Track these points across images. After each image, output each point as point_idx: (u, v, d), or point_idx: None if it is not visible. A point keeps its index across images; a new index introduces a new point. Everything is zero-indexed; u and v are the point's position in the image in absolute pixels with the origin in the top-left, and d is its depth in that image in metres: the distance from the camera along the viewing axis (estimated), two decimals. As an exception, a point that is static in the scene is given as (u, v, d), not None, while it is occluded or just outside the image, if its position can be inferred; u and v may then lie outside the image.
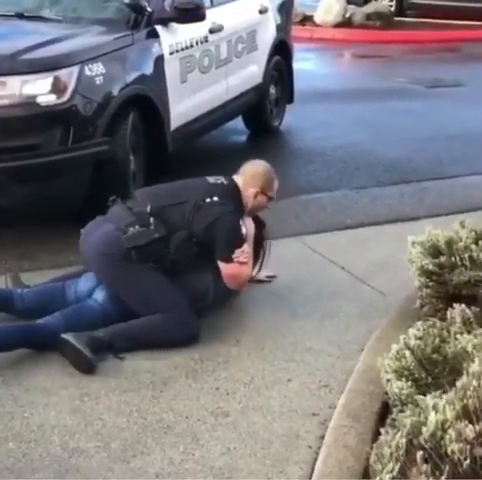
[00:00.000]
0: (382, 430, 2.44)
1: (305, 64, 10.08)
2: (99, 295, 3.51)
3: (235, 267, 3.52)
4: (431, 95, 8.94)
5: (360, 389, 2.94)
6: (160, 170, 5.03)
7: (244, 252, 3.53)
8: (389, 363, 2.72)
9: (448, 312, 3.08)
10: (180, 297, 3.47)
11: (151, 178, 4.96)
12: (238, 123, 6.90)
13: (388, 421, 2.59)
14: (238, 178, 3.74)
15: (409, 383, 2.60)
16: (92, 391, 3.05)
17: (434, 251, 3.34)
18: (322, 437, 2.77)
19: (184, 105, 5.31)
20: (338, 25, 13.40)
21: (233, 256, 3.49)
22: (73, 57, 4.36)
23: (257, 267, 3.82)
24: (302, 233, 4.75)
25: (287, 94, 7.21)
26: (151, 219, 3.48)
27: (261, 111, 6.84)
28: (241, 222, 3.61)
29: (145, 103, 4.86)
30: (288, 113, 7.33)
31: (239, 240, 3.55)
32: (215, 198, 3.56)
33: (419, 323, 2.93)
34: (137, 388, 3.08)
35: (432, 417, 2.26)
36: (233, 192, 3.67)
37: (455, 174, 5.91)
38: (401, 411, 2.55)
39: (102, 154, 4.43)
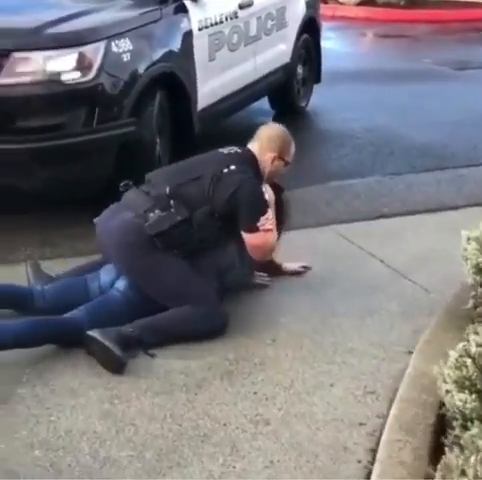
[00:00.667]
0: (446, 449, 2.22)
1: (327, 43, 9.75)
2: (120, 284, 3.31)
3: (260, 236, 3.31)
4: (459, 77, 8.63)
5: (412, 398, 2.72)
6: (186, 152, 4.80)
7: (268, 219, 3.32)
8: (449, 372, 2.50)
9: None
10: (207, 286, 3.29)
11: (176, 161, 4.74)
12: (264, 103, 6.65)
13: (450, 438, 2.36)
14: (253, 145, 3.53)
15: (473, 396, 2.38)
16: (122, 393, 2.84)
17: (490, 247, 3.11)
18: (372, 450, 2.56)
19: (212, 84, 5.08)
20: (361, 3, 13.07)
21: (258, 224, 3.28)
22: (99, 32, 4.12)
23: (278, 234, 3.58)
24: (335, 222, 4.52)
25: (314, 74, 6.95)
26: (171, 201, 3.27)
27: (288, 91, 6.60)
28: (263, 188, 3.42)
29: (172, 82, 4.62)
30: (313, 93, 7.08)
31: (263, 207, 3.34)
32: (232, 167, 3.35)
33: (479, 328, 2.69)
34: (170, 390, 2.87)
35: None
36: (249, 159, 3.46)
37: (492, 160, 5.65)
38: (464, 427, 2.34)
39: (128, 136, 4.21)
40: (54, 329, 3.12)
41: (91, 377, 2.93)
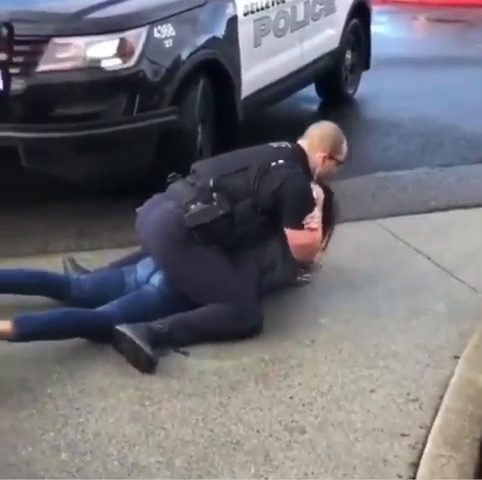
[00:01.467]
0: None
1: (377, 28, 9.49)
2: (155, 279, 3.22)
3: (305, 234, 3.18)
4: (516, 64, 8.34)
5: (457, 409, 2.57)
6: (228, 142, 4.69)
7: (314, 218, 3.19)
8: (497, 385, 2.35)
9: None
10: (245, 285, 3.16)
11: (218, 151, 4.63)
12: (310, 90, 6.49)
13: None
14: (303, 142, 3.38)
15: (522, 412, 2.23)
16: (154, 394, 2.75)
17: None
18: (414, 464, 2.42)
19: (257, 71, 4.94)
20: (413, -14, 12.74)
21: (303, 222, 3.15)
22: (141, 17, 4.00)
23: (326, 239, 3.45)
24: (380, 215, 4.35)
25: (363, 60, 6.76)
26: (214, 194, 3.15)
27: (336, 78, 6.44)
28: (311, 185, 3.28)
29: (216, 69, 4.49)
30: (361, 80, 6.88)
31: (310, 203, 3.21)
32: (281, 161, 3.22)
33: None
34: (202, 393, 2.77)
35: None
36: (299, 155, 3.32)
37: None
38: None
39: (169, 124, 4.09)
40: (85, 322, 3.04)
41: (122, 376, 2.84)
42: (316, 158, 3.34)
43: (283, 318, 3.22)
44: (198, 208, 3.13)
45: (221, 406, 2.70)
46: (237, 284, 3.16)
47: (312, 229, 3.19)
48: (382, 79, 7.24)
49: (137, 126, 3.99)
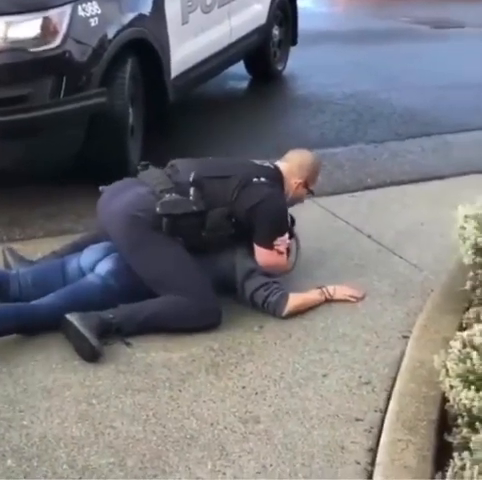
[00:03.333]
0: (455, 455, 2.05)
1: (302, 2, 9.47)
2: (102, 268, 3.08)
3: (273, 256, 3.16)
4: (439, 37, 8.45)
5: (412, 391, 2.54)
6: (158, 123, 4.57)
7: (284, 241, 3.17)
8: (452, 366, 2.32)
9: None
10: (204, 280, 3.07)
11: (149, 132, 4.50)
12: (239, 68, 6.38)
13: (457, 438, 2.20)
14: (282, 165, 3.35)
15: (481, 393, 2.21)
16: (100, 391, 2.64)
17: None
18: (371, 450, 2.39)
19: (185, 49, 4.81)
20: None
21: (274, 242, 3.13)
22: (65, -5, 3.81)
23: (291, 262, 3.38)
24: (318, 195, 4.29)
25: (291, 36, 6.69)
26: (191, 189, 3.06)
27: (264, 54, 6.36)
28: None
29: (144, 48, 4.34)
30: (290, 57, 6.82)
31: (284, 226, 3.20)
32: (263, 179, 3.18)
33: (473, 310, 2.51)
34: (152, 387, 2.67)
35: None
36: (279, 177, 3.30)
37: (478, 126, 5.46)
38: (472, 426, 2.17)
39: (98, 107, 3.94)
40: (23, 318, 2.90)
41: (66, 373, 2.72)
42: (292, 183, 3.32)
43: (230, 305, 3.14)
44: (172, 198, 3.05)
45: (172, 400, 2.61)
46: (197, 277, 3.06)
47: (280, 252, 3.17)
48: (311, 55, 7.20)
49: (65, 109, 3.81)
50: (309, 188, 3.40)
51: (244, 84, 6.54)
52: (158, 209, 3.00)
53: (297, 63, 6.86)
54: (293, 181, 3.32)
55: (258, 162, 3.33)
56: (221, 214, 3.09)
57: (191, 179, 3.08)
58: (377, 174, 4.60)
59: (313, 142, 5.12)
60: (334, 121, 5.57)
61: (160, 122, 4.67)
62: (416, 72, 6.84)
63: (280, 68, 6.63)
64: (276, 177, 3.27)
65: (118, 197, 3.13)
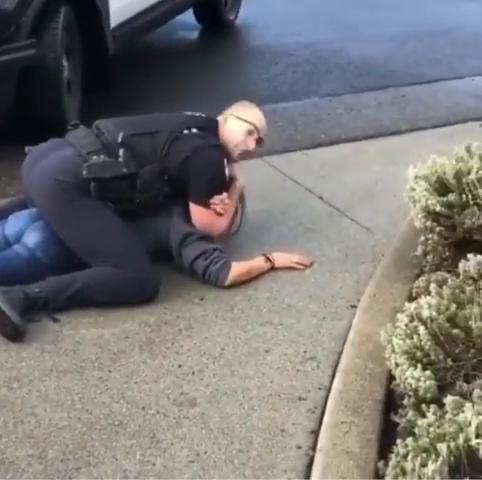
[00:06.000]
0: (398, 441, 1.89)
1: None
2: (30, 238, 2.86)
3: (209, 215, 2.94)
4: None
5: (357, 368, 2.38)
6: (99, 77, 4.29)
7: (223, 202, 2.94)
8: (398, 342, 2.15)
9: (460, 264, 2.51)
10: (139, 248, 2.86)
11: (91, 89, 4.22)
12: (188, 16, 6.06)
13: (402, 423, 2.03)
14: (221, 117, 3.12)
15: (427, 372, 2.05)
16: (22, 374, 2.43)
17: (441, 187, 2.74)
18: (313, 432, 2.23)
19: (127, -4, 4.50)
20: None
21: (210, 200, 2.91)
22: None
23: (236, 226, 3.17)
24: (268, 152, 4.07)
25: (244, -18, 6.38)
26: (121, 151, 2.84)
27: (215, 2, 6.04)
28: (226, 162, 3.00)
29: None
30: (242, 5, 6.51)
31: (221, 180, 2.97)
32: (194, 130, 2.97)
33: (431, 286, 2.33)
34: (79, 368, 2.47)
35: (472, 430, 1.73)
36: (212, 127, 3.06)
37: (436, 78, 5.27)
38: (417, 408, 2.01)
39: (28, 59, 3.68)
40: None
41: (-15, 354, 2.51)
42: (238, 132, 3.05)
43: (169, 275, 2.93)
44: (100, 160, 2.82)
45: (101, 382, 2.41)
46: (132, 246, 2.85)
47: (217, 213, 2.95)
48: (264, 2, 6.88)
49: (-9, 62, 3.54)
50: (259, 135, 3.13)
51: (194, 34, 6.24)
52: (85, 172, 2.78)
53: (251, 12, 6.56)
54: (240, 129, 3.07)
55: (189, 113, 3.11)
56: (151, 172, 2.86)
57: (120, 139, 2.85)
58: (331, 130, 4.39)
59: (265, 96, 4.88)
60: (287, 73, 5.32)
61: (102, 77, 4.38)
62: (375, 22, 6.59)
63: (232, 17, 6.33)
64: (209, 127, 3.04)
65: (42, 160, 2.89)
